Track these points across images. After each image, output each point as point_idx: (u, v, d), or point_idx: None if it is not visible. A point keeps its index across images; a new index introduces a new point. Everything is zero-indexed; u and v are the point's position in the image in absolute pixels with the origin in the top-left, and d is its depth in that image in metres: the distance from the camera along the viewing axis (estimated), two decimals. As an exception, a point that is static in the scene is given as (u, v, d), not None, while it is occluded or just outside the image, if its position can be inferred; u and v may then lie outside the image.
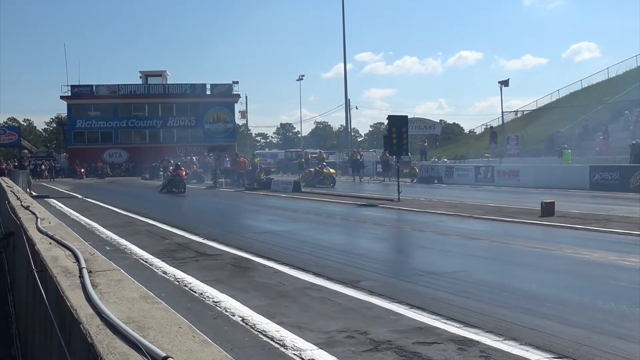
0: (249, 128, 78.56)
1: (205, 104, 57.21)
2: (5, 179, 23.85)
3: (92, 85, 57.02)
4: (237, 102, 59.39)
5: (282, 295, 6.32)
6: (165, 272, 7.69)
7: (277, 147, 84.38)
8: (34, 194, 22.97)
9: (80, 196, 24.32)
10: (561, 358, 4.22)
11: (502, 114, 38.56)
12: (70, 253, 4.37)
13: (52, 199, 21.79)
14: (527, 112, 44.68)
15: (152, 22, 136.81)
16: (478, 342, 4.56)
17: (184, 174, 26.83)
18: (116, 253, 9.14)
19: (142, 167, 47.29)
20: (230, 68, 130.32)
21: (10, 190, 13.43)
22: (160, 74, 60.09)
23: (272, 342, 4.66)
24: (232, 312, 5.58)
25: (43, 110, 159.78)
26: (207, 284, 6.82)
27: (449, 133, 75.17)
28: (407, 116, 20.89)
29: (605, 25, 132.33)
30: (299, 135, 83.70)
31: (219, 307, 5.79)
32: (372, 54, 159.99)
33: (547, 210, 12.66)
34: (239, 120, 64.22)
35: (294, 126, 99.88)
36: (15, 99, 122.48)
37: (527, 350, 4.35)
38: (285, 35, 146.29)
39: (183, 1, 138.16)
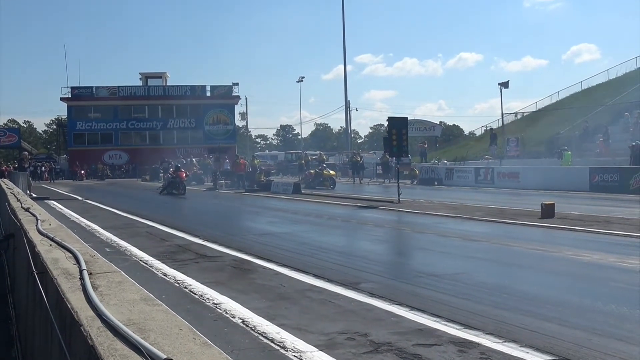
0: (249, 130, 78.67)
1: (205, 105, 57.21)
2: (6, 180, 23.88)
3: (92, 87, 56.98)
4: (237, 104, 59.42)
5: (283, 297, 6.31)
6: (165, 274, 7.68)
7: (277, 148, 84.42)
8: (34, 195, 22.97)
9: (80, 198, 24.32)
10: (561, 360, 4.23)
11: (502, 116, 38.54)
12: (70, 255, 4.37)
13: (52, 201, 21.78)
14: (527, 113, 44.68)
15: (152, 24, 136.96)
16: (478, 344, 4.56)
17: (184, 175, 26.84)
18: (116, 255, 9.13)
19: (142, 169, 47.30)
20: (230, 70, 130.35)
21: (11, 192, 13.44)
22: (160, 76, 60.07)
23: (272, 344, 4.66)
24: (232, 314, 5.58)
25: (43, 112, 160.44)
26: (208, 286, 6.82)
27: (449, 135, 75.19)
28: (407, 118, 20.92)
29: (606, 27, 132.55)
30: (299, 136, 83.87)
31: (219, 309, 5.79)
32: (372, 56, 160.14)
33: (547, 212, 12.67)
34: (239, 122, 64.29)
35: (294, 128, 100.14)
36: (16, 100, 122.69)
37: (528, 352, 4.35)
38: (285, 36, 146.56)
39: (183, 3, 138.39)
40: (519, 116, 45.22)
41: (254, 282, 7.22)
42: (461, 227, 12.32)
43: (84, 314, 2.78)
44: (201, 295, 6.39)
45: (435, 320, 5.23)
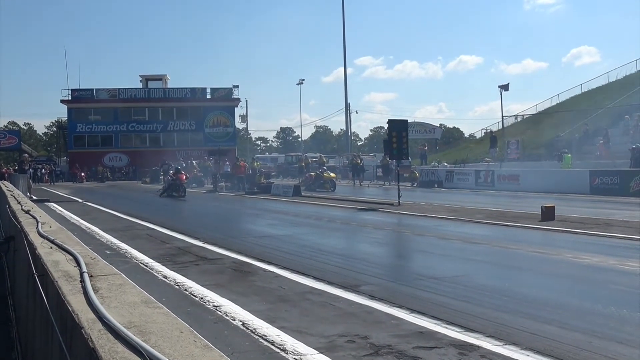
0: (249, 132, 78.87)
1: (205, 108, 57.22)
2: (6, 182, 23.89)
3: (93, 89, 57.03)
4: (237, 106, 59.47)
5: (283, 300, 6.31)
6: (165, 277, 7.68)
7: (277, 151, 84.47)
8: (34, 197, 22.95)
9: (80, 200, 24.32)
10: (562, 363, 4.23)
11: (502, 118, 38.56)
12: (71, 257, 4.38)
13: (53, 203, 21.78)
14: (527, 116, 44.63)
15: (152, 26, 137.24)
16: (479, 347, 4.56)
17: (184, 178, 26.84)
18: (117, 257, 9.13)
19: (143, 171, 47.30)
20: (230, 72, 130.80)
21: (11, 194, 13.45)
22: (160, 78, 60.12)
23: (272, 347, 4.66)
24: (232, 317, 5.58)
25: (43, 114, 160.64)
26: (208, 288, 6.82)
27: (449, 137, 75.27)
28: (407, 120, 20.90)
29: (605, 30, 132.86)
30: (299, 139, 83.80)
31: (220, 312, 5.79)
32: (373, 58, 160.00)
33: (547, 214, 12.67)
34: (239, 124, 64.33)
35: (294, 130, 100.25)
36: (16, 102, 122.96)
37: (528, 355, 4.35)
38: (286, 39, 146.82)
39: (183, 5, 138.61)
40: (519, 119, 45.17)
41: (254, 284, 7.22)
42: (461, 230, 12.32)
43: (85, 316, 2.79)
44: (201, 298, 6.39)
45: (435, 323, 5.23)
